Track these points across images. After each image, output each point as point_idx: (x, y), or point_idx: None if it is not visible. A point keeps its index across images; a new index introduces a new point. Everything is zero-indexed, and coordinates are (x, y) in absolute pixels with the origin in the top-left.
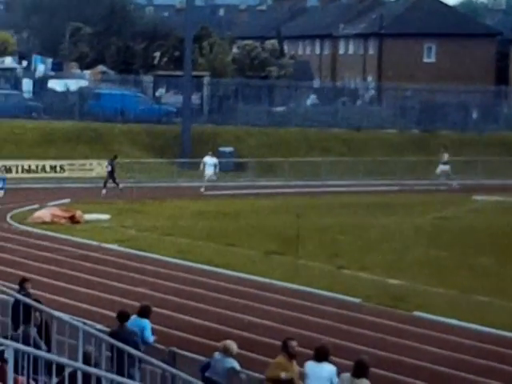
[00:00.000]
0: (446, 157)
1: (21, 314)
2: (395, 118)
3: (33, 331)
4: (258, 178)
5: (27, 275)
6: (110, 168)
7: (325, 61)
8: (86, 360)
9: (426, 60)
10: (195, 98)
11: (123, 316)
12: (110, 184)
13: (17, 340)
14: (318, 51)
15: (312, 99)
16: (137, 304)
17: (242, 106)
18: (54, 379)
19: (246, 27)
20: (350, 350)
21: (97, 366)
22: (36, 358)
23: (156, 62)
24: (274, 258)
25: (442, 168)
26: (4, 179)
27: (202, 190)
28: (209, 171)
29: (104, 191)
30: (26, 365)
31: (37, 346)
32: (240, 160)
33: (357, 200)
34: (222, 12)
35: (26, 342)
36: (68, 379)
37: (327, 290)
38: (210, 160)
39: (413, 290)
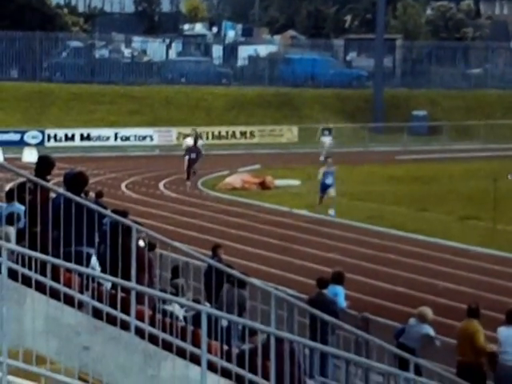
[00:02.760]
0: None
1: (213, 279)
2: None
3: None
4: (453, 141)
5: (218, 241)
6: (194, 155)
7: None
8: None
9: None
10: (387, 61)
11: (322, 283)
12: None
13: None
14: None
15: None
16: (328, 270)
17: (435, 69)
18: (247, 345)
19: None
20: None
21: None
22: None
23: (347, 25)
24: (469, 223)
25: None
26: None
27: (188, 183)
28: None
29: (189, 183)
30: (219, 330)
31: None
32: (434, 123)
33: None
34: None
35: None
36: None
37: None
38: (190, 141)
39: None
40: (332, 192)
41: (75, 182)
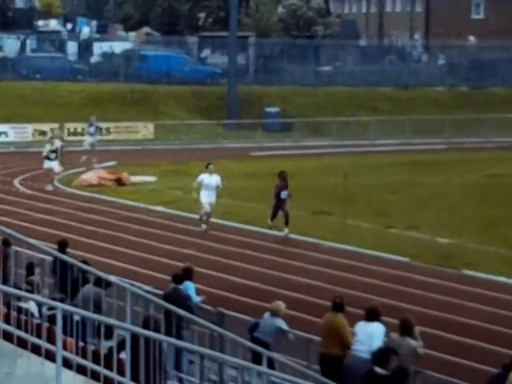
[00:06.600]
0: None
1: (69, 276)
2: (443, 76)
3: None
4: (305, 138)
5: (74, 237)
6: (286, 194)
7: (371, 19)
8: (146, 324)
9: (474, 16)
10: (241, 59)
11: (178, 278)
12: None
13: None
14: (364, 9)
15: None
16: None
17: (287, 66)
18: (103, 342)
19: None
20: (399, 310)
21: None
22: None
23: (201, 22)
24: (321, 218)
25: (88, 140)
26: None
27: (204, 227)
28: (209, 198)
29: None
30: (74, 327)
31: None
32: (286, 120)
33: (405, 159)
34: None
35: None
36: (123, 343)
37: (375, 249)
38: (207, 179)
39: (462, 248)
40: None
41: None
